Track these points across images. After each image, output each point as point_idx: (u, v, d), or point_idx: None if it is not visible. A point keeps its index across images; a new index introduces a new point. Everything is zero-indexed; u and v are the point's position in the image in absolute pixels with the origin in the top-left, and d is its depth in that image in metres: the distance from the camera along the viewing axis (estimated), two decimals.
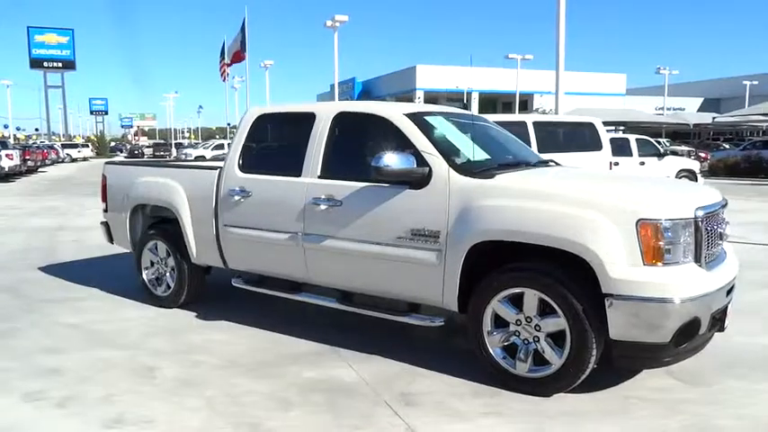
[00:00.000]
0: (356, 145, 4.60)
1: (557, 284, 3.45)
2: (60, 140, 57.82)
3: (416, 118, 4.28)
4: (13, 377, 4.05)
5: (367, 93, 61.14)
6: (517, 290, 3.63)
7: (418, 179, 3.94)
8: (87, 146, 54.21)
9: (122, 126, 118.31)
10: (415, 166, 3.92)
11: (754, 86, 46.10)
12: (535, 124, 10.20)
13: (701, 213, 3.43)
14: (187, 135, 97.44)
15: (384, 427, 3.26)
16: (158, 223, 5.80)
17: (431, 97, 56.11)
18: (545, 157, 5.09)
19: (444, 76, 53.06)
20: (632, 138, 14.65)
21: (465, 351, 4.24)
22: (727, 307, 3.66)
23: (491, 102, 59.88)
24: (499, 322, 3.75)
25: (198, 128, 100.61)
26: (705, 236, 3.45)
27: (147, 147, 67.16)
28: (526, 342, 3.65)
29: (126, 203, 5.83)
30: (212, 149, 36.79)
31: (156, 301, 5.71)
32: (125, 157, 61.11)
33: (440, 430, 3.22)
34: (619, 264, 3.27)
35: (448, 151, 4.10)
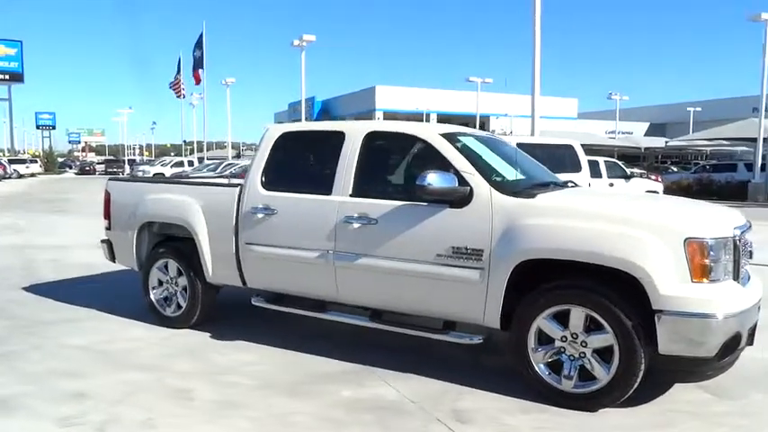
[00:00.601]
0: (390, 164, 4.64)
1: (606, 301, 3.55)
2: (6, 155, 55.46)
3: (451, 138, 4.36)
4: (37, 402, 3.87)
5: (326, 112, 61.22)
6: (564, 307, 3.71)
7: (459, 198, 4.00)
8: (36, 161, 52.17)
9: (70, 142, 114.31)
10: (457, 185, 3.98)
11: (697, 112, 48.46)
12: (518, 146, 10.46)
13: (737, 232, 3.62)
14: (137, 151, 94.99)
15: None
16: (168, 241, 5.66)
17: (389, 118, 56.66)
18: None
19: (403, 97, 53.67)
20: (601, 160, 15.19)
21: (500, 367, 4.31)
22: (757, 322, 3.84)
23: (448, 123, 60.95)
24: (543, 339, 3.82)
25: (150, 144, 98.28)
26: (741, 254, 3.63)
27: (99, 163, 65.03)
28: (572, 358, 3.73)
29: (133, 221, 5.67)
30: (171, 167, 36.00)
31: (165, 322, 5.54)
32: (75, 174, 59.13)
33: None
34: (668, 281, 3.40)
35: (485, 171, 4.19)
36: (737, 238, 3.60)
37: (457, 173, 4.06)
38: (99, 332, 5.41)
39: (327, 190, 4.57)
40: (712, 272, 3.44)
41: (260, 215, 4.83)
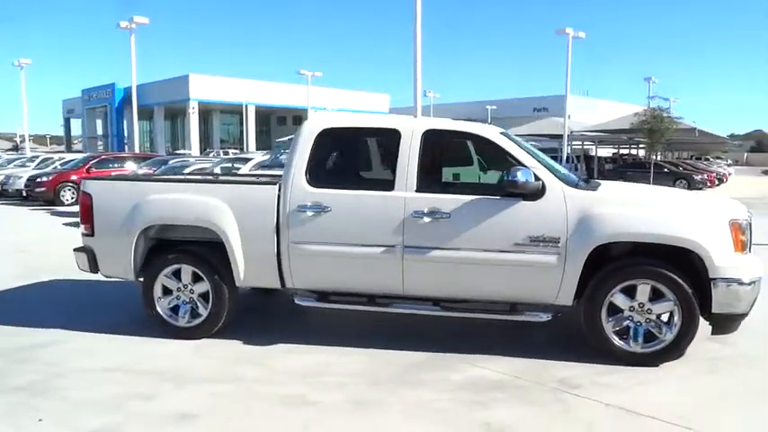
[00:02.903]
0: (452, 160, 4.89)
1: (672, 275, 4.29)
2: None
3: (509, 137, 4.78)
4: (144, 429, 3.49)
5: (130, 101, 56.22)
6: (631, 282, 4.38)
7: (533, 191, 4.45)
8: None
9: None
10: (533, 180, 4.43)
11: (494, 110, 54.49)
12: None
13: (750, 215, 4.61)
14: None
15: (591, 406, 3.75)
16: (178, 245, 5.22)
17: (205, 109, 54.24)
18: None
19: (220, 88, 51.69)
20: None
21: (557, 340, 4.87)
22: None
23: (266, 116, 60.20)
24: (612, 310, 4.46)
25: None
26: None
27: None
28: (638, 324, 4.42)
29: (131, 226, 5.08)
30: None
31: (179, 334, 5.11)
32: None
33: (633, 400, 3.80)
34: (720, 254, 4.24)
35: (547, 166, 4.68)
36: (751, 219, 4.59)
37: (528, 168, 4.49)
38: (116, 353, 4.82)
39: (388, 186, 4.69)
40: (746, 246, 4.37)
41: (309, 213, 4.75)
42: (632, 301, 4.42)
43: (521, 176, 4.33)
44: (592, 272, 4.46)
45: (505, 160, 4.64)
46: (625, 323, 4.46)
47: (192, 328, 5.13)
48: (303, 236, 4.79)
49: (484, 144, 4.76)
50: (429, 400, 3.86)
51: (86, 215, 5.29)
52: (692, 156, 48.01)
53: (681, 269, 4.36)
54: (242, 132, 54.96)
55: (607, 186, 4.84)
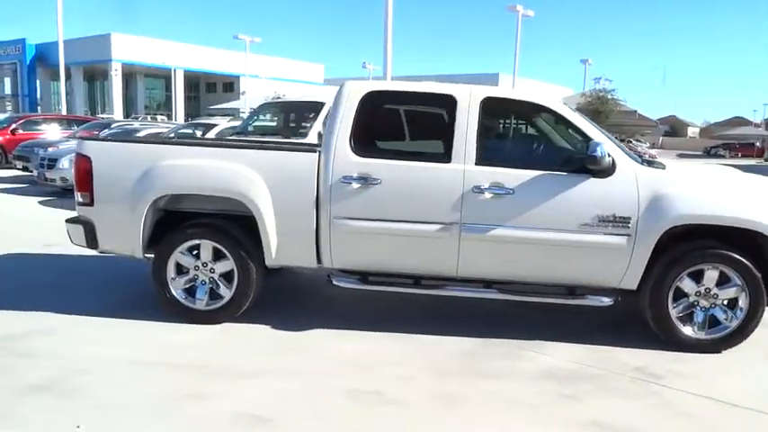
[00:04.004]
0: (513, 132, 4.53)
1: (743, 260, 4.15)
2: None
3: (571, 109, 4.47)
4: None
5: (42, 59, 52.07)
6: (699, 266, 4.22)
7: (605, 168, 4.17)
8: None
9: None
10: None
11: None
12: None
13: None
14: None
15: (682, 396, 3.57)
16: (196, 218, 4.60)
17: (129, 71, 51.07)
18: None
19: (146, 49, 48.70)
20: None
21: (601, 324, 4.69)
22: None
23: (194, 81, 57.46)
24: (676, 295, 4.29)
25: None
26: None
27: None
28: (704, 310, 4.28)
29: (142, 195, 4.42)
30: None
31: (197, 318, 4.54)
32: None
33: (720, 391, 3.65)
34: None
35: (615, 143, 4.41)
36: None
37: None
38: (129, 341, 4.20)
39: (445, 158, 4.29)
40: None
41: (356, 185, 4.28)
42: (699, 286, 4.26)
43: (599, 151, 4.04)
44: (654, 255, 4.27)
45: (570, 134, 4.34)
46: (690, 309, 4.30)
47: (213, 311, 4.56)
48: (347, 210, 4.32)
49: (547, 115, 4.43)
50: (514, 392, 3.55)
51: (84, 181, 4.56)
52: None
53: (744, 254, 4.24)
54: (168, 97, 52.27)
55: (675, 166, 4.64)
